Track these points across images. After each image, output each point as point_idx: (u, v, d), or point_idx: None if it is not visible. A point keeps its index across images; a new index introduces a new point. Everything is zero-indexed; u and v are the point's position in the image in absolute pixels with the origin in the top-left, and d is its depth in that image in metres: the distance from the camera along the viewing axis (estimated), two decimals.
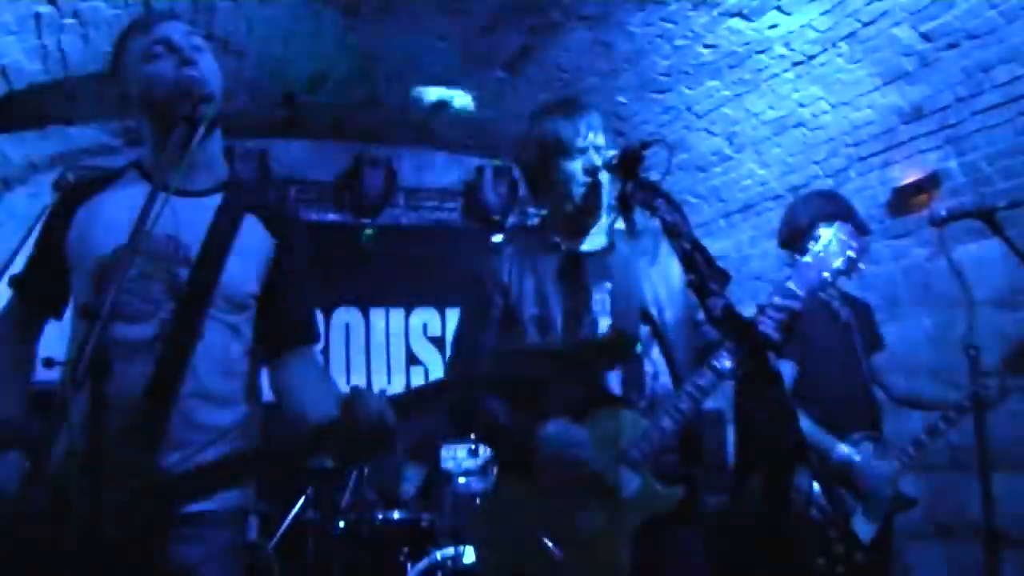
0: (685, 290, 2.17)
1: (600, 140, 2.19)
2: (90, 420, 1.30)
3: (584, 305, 2.13)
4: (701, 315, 2.16)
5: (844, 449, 2.98)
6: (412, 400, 1.59)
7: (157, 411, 1.60)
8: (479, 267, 2.29)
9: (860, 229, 3.20)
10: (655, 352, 2.13)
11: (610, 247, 2.23)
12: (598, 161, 2.16)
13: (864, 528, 2.97)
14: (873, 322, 3.38)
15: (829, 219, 3.17)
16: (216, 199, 1.77)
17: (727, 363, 2.01)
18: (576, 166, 2.18)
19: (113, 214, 1.71)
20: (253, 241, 1.76)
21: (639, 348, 2.10)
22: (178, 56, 1.71)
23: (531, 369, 1.46)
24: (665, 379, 2.12)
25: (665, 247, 2.21)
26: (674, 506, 2.01)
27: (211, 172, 1.80)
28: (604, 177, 2.17)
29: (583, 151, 2.17)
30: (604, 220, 2.26)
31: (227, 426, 1.70)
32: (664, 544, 2.02)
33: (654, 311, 2.14)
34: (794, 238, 3.16)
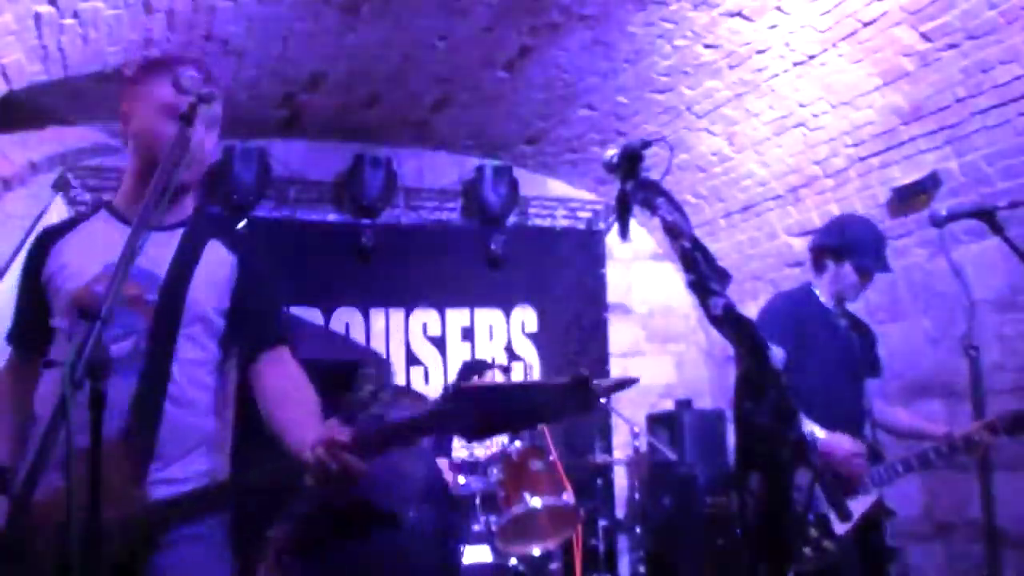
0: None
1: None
2: (90, 420, 1.31)
3: None
4: None
5: (808, 427, 2.96)
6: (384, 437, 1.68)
7: (143, 423, 1.72)
8: None
9: (862, 271, 3.23)
10: None
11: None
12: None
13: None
14: (874, 347, 3.42)
15: (838, 254, 3.23)
16: (181, 230, 1.92)
17: None
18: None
19: (86, 249, 1.86)
20: (216, 263, 1.90)
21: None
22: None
23: None
24: None
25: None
26: None
27: (182, 209, 1.93)
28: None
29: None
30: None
31: (204, 434, 1.84)
32: None
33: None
34: (822, 253, 3.24)
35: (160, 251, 1.83)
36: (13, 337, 2.00)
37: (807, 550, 2.86)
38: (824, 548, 2.87)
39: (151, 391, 1.75)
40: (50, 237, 1.94)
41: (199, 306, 1.84)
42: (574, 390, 1.61)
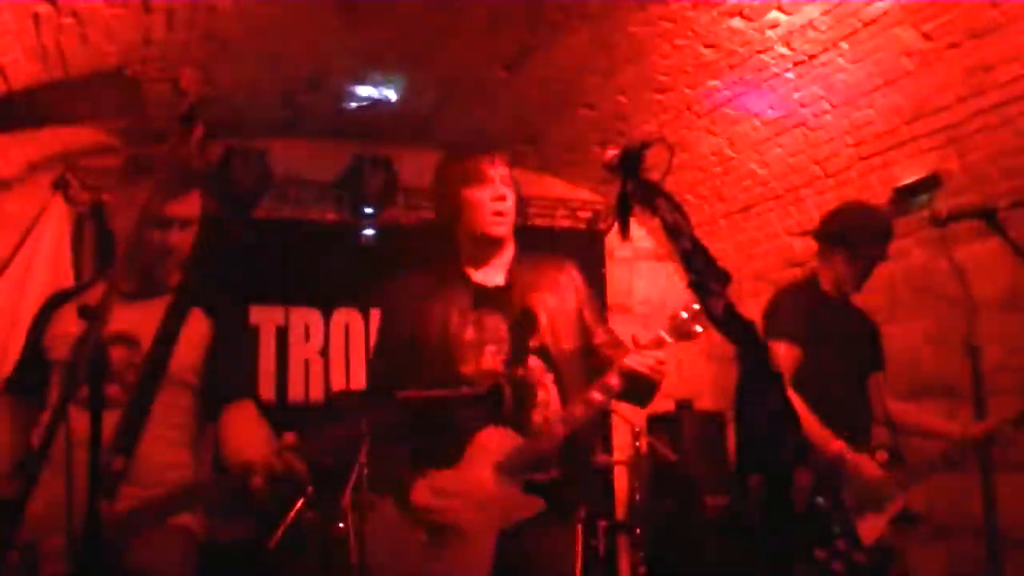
0: (580, 319, 2.40)
1: (505, 172, 2.38)
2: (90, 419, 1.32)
3: (485, 337, 2.33)
4: (597, 339, 2.41)
5: (838, 444, 2.96)
6: None
7: (123, 457, 1.94)
8: (383, 299, 2.70)
9: (859, 261, 3.23)
10: (549, 381, 2.32)
11: (511, 280, 2.40)
12: (502, 191, 2.33)
13: (868, 529, 2.96)
14: (876, 340, 3.41)
15: (836, 242, 3.24)
16: (167, 297, 2.16)
17: (614, 381, 2.23)
18: (484, 194, 2.35)
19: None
20: (196, 331, 2.15)
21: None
22: None
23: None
24: (556, 406, 2.31)
25: (564, 279, 2.41)
26: (536, 512, 2.21)
27: (168, 279, 2.19)
28: (508, 206, 2.35)
29: (491, 180, 2.35)
30: (508, 252, 2.43)
31: (179, 463, 2.11)
32: (531, 544, 2.22)
33: (549, 342, 2.33)
34: (822, 240, 3.30)
35: (146, 317, 2.09)
36: (14, 384, 2.21)
37: (836, 564, 2.85)
38: (854, 560, 2.87)
39: (130, 432, 1.98)
40: (53, 303, 2.19)
41: (177, 370, 2.08)
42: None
